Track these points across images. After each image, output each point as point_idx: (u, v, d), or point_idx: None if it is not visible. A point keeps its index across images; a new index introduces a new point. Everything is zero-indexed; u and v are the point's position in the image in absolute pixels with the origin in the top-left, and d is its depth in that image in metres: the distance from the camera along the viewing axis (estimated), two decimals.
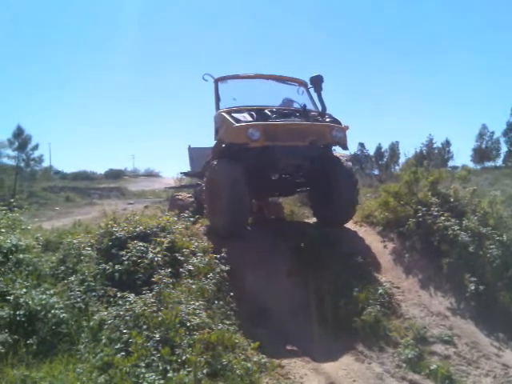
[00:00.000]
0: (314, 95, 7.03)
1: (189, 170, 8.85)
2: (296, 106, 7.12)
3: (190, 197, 8.47)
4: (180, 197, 8.62)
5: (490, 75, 78.31)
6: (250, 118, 6.26)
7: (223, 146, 6.60)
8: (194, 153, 8.66)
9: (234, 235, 6.14)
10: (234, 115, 6.32)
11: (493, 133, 40.25)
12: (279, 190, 7.60)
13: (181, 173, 9.81)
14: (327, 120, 6.70)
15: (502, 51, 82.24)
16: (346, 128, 6.67)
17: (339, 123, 6.68)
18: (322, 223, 7.17)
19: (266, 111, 6.44)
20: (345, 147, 6.78)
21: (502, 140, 39.72)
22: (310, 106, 7.07)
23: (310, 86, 7.03)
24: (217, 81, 7.08)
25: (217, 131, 6.76)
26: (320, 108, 6.91)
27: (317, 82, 6.68)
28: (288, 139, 6.19)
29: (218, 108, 6.88)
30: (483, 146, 40.41)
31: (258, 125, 6.09)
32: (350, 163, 6.98)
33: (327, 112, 6.87)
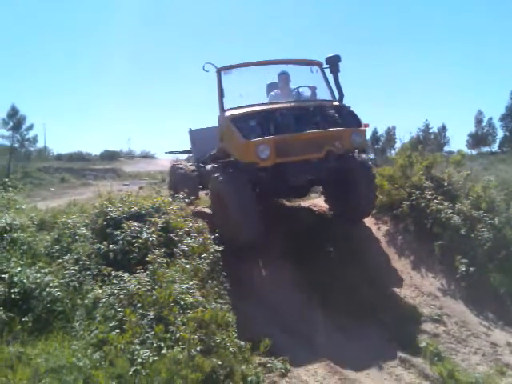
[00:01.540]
0: (330, 77, 6.25)
1: (173, 149, 8.35)
2: (307, 93, 6.47)
3: (191, 165, 7.71)
4: (181, 165, 7.87)
5: (486, 61, 77.92)
6: (259, 130, 5.56)
7: (227, 155, 6.00)
8: (196, 135, 7.77)
9: (248, 247, 5.64)
10: (242, 126, 5.55)
11: (491, 118, 40.34)
12: (291, 194, 7.11)
13: (166, 152, 9.33)
14: (344, 114, 5.94)
15: (499, 36, 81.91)
16: (366, 127, 6.02)
17: (357, 119, 5.96)
18: (339, 218, 6.75)
19: (277, 115, 5.66)
20: (364, 151, 6.29)
21: (498, 125, 39.81)
22: (324, 90, 6.34)
23: (325, 65, 6.20)
24: (220, 71, 6.11)
25: (221, 138, 6.00)
26: (336, 93, 6.16)
27: (334, 62, 6.01)
28: (301, 153, 5.56)
29: (221, 105, 6.01)
30: (479, 131, 40.47)
31: (268, 140, 5.39)
32: (365, 156, 6.50)
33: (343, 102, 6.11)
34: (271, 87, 6.71)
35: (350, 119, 5.90)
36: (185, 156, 8.39)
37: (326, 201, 7.03)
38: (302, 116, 5.75)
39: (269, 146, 5.35)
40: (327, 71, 6.25)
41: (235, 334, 4.13)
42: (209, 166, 6.82)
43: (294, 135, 5.54)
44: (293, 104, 5.96)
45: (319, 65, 6.34)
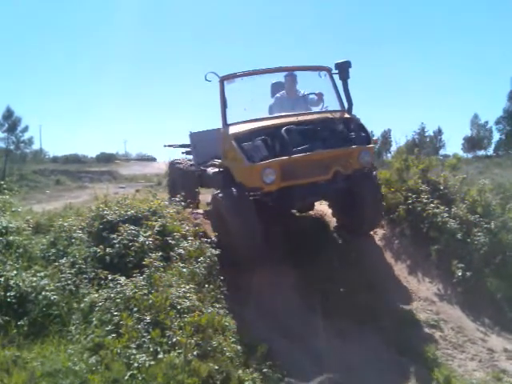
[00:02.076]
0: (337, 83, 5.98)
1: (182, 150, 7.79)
2: (313, 98, 6.28)
3: (189, 160, 7.58)
4: (180, 161, 7.72)
5: (483, 62, 78.42)
6: (263, 150, 5.21)
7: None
8: (197, 138, 7.46)
9: (248, 264, 5.42)
10: (246, 146, 5.25)
11: (486, 122, 40.54)
12: (296, 210, 6.84)
13: (165, 145, 8.59)
14: (353, 128, 5.61)
15: (496, 38, 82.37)
16: (375, 144, 5.84)
17: (366, 134, 5.65)
18: (343, 231, 6.54)
19: (283, 132, 5.29)
20: (371, 170, 5.94)
21: (494, 128, 40.04)
22: (332, 96, 6.07)
23: (334, 71, 5.86)
24: (223, 80, 5.79)
25: (224, 155, 5.73)
26: (344, 101, 5.85)
27: (343, 67, 5.68)
28: (308, 175, 5.32)
29: (224, 119, 5.71)
30: (476, 134, 40.67)
31: (274, 163, 5.11)
32: (374, 173, 6.14)
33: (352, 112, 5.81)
34: (277, 87, 6.56)
35: (359, 134, 5.59)
36: (184, 149, 7.96)
37: (333, 214, 6.71)
38: (309, 132, 5.43)
39: (274, 170, 5.11)
40: (334, 78, 6.02)
41: (232, 339, 4.13)
42: (210, 170, 6.57)
43: (300, 157, 5.20)
44: (299, 118, 5.59)
45: (328, 70, 6.04)
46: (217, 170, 6.23)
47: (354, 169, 5.50)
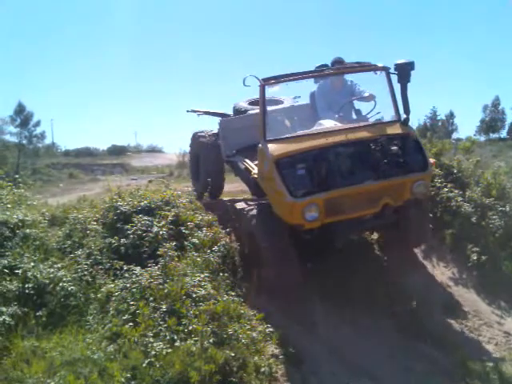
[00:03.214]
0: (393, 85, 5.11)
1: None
2: (363, 91, 5.61)
3: (213, 133, 6.93)
4: (203, 134, 7.01)
5: (495, 49, 76.97)
6: (307, 182, 4.54)
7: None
8: (228, 126, 6.62)
9: (285, 288, 4.87)
10: (288, 174, 4.55)
11: (498, 103, 40.11)
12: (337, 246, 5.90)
13: (188, 110, 7.70)
14: (409, 147, 4.85)
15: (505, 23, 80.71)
16: (433, 167, 5.15)
17: (422, 156, 4.88)
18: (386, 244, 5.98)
19: (330, 155, 4.62)
20: (425, 200, 5.28)
21: (508, 108, 39.73)
22: (386, 101, 5.21)
23: (393, 72, 4.99)
24: (264, 85, 4.95)
25: (261, 174, 5.03)
26: (402, 108, 5.03)
27: (404, 69, 4.85)
28: (355, 209, 4.70)
29: (263, 131, 4.87)
30: (487, 117, 40.27)
31: (318, 199, 4.49)
32: (427, 203, 5.39)
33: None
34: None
35: (414, 156, 4.85)
36: (210, 118, 7.33)
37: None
38: (359, 155, 4.72)
39: (318, 207, 4.50)
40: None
41: (247, 326, 4.15)
42: (241, 165, 5.99)
43: (348, 190, 4.56)
44: (349, 136, 4.76)
45: (386, 70, 5.14)
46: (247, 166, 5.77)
47: (406, 200, 4.86)
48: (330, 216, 4.61)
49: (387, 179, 4.68)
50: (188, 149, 7.98)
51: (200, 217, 5.69)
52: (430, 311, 5.04)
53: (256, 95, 5.56)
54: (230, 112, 7.31)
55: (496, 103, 40.33)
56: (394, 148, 4.79)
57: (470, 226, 6.00)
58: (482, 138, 36.39)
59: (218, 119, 7.05)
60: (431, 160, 5.01)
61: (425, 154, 4.93)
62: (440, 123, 39.13)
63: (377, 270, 5.53)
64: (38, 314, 4.25)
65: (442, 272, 5.79)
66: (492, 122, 39.76)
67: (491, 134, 39.09)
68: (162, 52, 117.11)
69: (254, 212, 5.08)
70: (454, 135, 35.84)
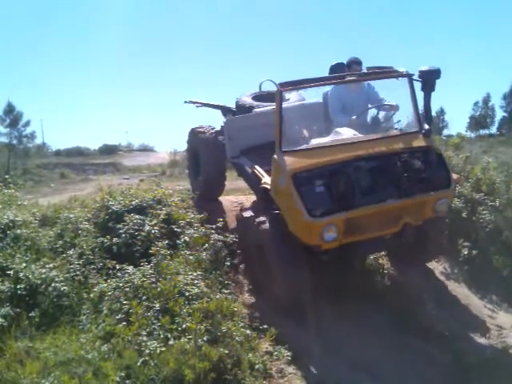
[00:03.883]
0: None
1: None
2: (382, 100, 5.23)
3: (212, 129, 6.47)
4: (202, 130, 6.52)
5: (486, 43, 77.55)
6: (326, 200, 4.20)
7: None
8: (233, 126, 6.14)
9: (297, 306, 4.60)
10: (305, 191, 4.20)
11: (489, 100, 40.59)
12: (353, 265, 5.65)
13: (185, 101, 7.27)
14: (431, 160, 4.53)
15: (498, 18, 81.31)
16: (456, 184, 4.89)
17: (445, 171, 4.58)
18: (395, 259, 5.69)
19: (350, 170, 4.28)
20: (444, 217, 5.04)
21: (497, 106, 40.20)
22: (407, 109, 4.87)
23: (416, 79, 4.62)
24: (282, 91, 4.56)
25: (275, 188, 4.63)
26: (424, 119, 4.68)
27: (429, 77, 4.51)
28: (375, 229, 4.42)
29: (279, 140, 4.46)
30: (477, 114, 40.68)
31: (337, 220, 4.18)
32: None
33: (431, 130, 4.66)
34: (337, 71, 5.28)
35: (437, 170, 4.53)
36: (209, 110, 6.93)
37: None
38: (381, 171, 4.38)
39: (338, 227, 4.20)
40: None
41: (241, 324, 4.17)
42: (248, 169, 5.63)
43: (369, 209, 4.25)
44: (370, 149, 4.44)
45: (409, 77, 4.73)
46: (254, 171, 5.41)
47: (426, 218, 4.62)
48: (349, 236, 4.34)
49: (410, 197, 4.37)
50: (182, 147, 7.92)
51: (192, 215, 5.69)
52: (422, 306, 5.09)
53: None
54: (231, 105, 6.97)
55: (487, 100, 40.75)
56: (417, 162, 4.47)
57: (460, 221, 6.05)
58: (473, 135, 36.70)
59: (213, 115, 7.01)
60: (454, 176, 4.73)
61: (448, 169, 4.63)
62: None
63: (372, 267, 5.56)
64: (30, 314, 4.23)
65: (433, 267, 5.83)
66: (481, 118, 40.12)
67: (481, 131, 39.47)
68: (153, 51, 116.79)
69: (266, 226, 4.68)
70: (445, 132, 36.09)
